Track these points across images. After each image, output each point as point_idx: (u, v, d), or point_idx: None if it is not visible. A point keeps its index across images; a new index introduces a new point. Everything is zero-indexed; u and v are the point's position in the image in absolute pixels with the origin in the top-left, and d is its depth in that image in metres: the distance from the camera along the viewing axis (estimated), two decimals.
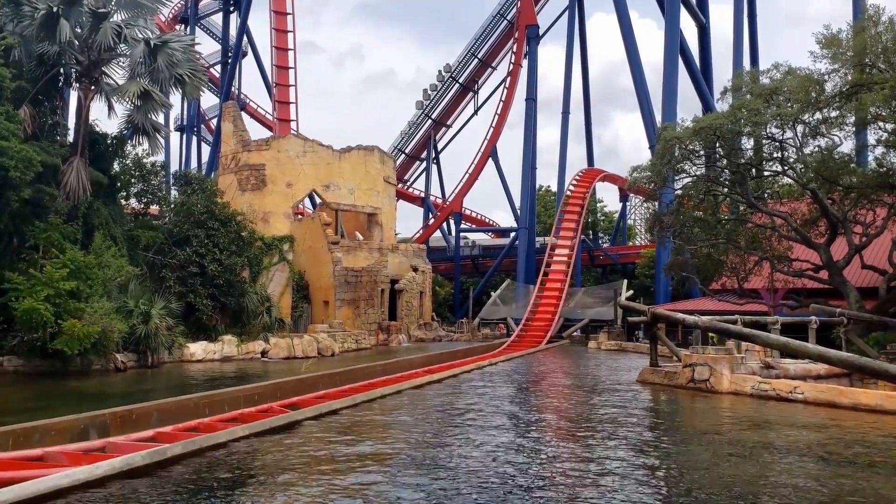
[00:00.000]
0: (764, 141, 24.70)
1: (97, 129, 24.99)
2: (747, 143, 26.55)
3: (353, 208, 38.49)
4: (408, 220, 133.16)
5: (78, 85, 24.22)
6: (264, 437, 9.96)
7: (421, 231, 62.23)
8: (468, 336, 39.07)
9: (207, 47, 67.11)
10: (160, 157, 32.89)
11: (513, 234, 55.79)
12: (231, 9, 64.56)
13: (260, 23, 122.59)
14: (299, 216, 40.96)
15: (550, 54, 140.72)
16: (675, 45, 41.96)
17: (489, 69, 64.83)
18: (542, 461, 8.91)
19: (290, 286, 32.42)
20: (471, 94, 66.18)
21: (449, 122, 67.80)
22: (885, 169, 22.83)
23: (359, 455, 8.90)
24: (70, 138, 23.88)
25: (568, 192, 49.36)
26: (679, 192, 28.10)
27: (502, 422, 11.84)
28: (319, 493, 7.09)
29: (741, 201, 26.54)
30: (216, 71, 65.96)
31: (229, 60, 62.30)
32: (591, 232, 65.39)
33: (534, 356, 28.40)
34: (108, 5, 23.75)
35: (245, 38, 63.02)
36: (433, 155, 67.75)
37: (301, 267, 34.37)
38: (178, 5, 67.03)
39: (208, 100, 68.01)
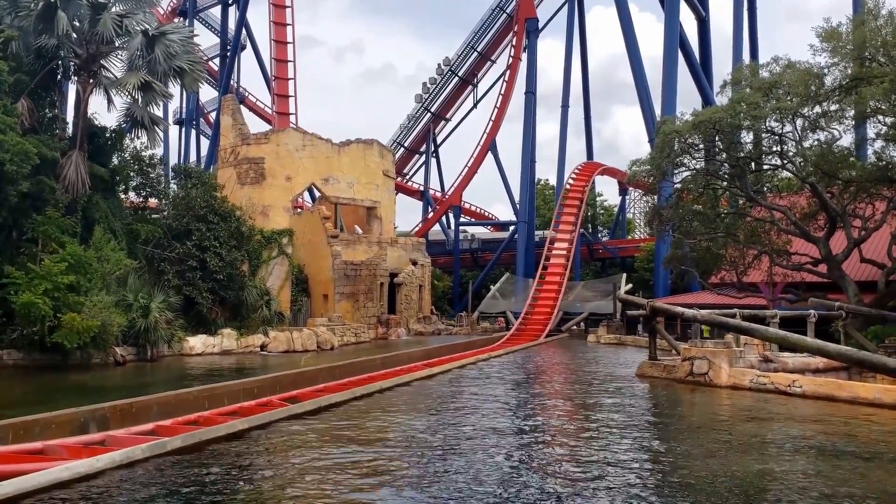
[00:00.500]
0: (763, 134, 24.70)
1: (96, 122, 24.93)
2: (747, 137, 26.56)
3: (353, 202, 38.46)
4: (407, 214, 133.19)
5: (76, 78, 24.13)
6: (264, 430, 9.98)
7: (420, 224, 62.21)
8: (467, 329, 39.09)
9: (206, 40, 67.03)
10: (159, 151, 32.87)
11: (512, 228, 55.79)
12: (230, 2, 64.26)
13: (259, 16, 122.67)
14: (298, 210, 40.92)
15: (550, 48, 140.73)
16: (674, 38, 41.85)
17: (488, 62, 64.67)
18: (540, 454, 8.93)
19: (289, 280, 32.42)
20: (470, 87, 66.01)
21: (448, 116, 67.68)
22: (884, 163, 22.83)
23: (358, 449, 8.92)
24: (69, 132, 23.82)
25: (567, 186, 49.34)
26: (678, 185, 28.10)
27: (501, 415, 11.87)
28: (319, 486, 7.11)
29: (740, 195, 26.54)
30: (215, 64, 65.78)
31: (228, 54, 62.08)
32: (590, 225, 65.37)
33: (533, 350, 28.44)
34: None
35: (244, 32, 62.79)
36: (432, 148, 67.65)
37: (300, 260, 34.36)
38: None
39: (207, 93, 67.91)
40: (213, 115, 64.52)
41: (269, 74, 58.55)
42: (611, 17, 55.41)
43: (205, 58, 59.18)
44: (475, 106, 66.94)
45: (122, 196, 27.19)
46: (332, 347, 26.95)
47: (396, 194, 46.39)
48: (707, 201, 27.41)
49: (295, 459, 8.28)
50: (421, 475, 7.64)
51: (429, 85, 65.64)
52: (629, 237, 64.97)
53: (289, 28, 57.22)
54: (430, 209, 63.64)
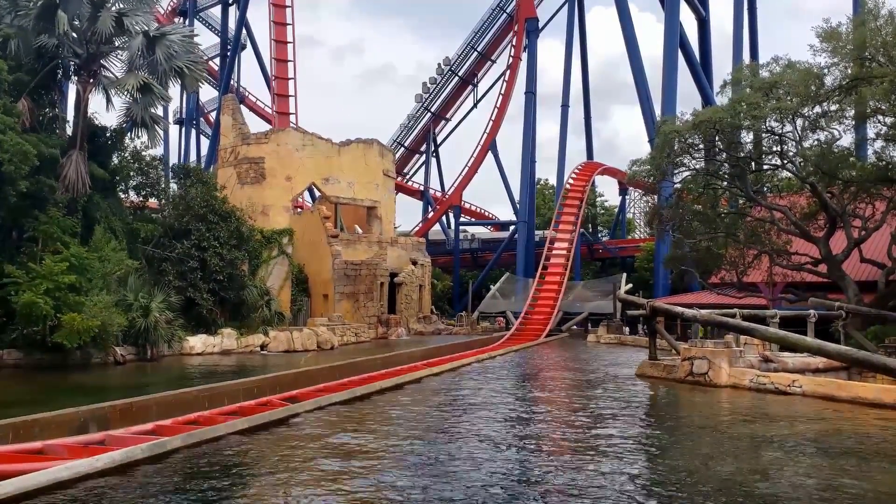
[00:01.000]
0: (763, 134, 24.69)
1: (96, 122, 24.95)
2: (747, 137, 26.53)
3: (353, 202, 38.45)
4: (407, 214, 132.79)
5: (76, 78, 24.14)
6: (263, 429, 9.98)
7: (420, 224, 62.17)
8: (467, 329, 39.08)
9: (206, 40, 66.89)
10: (159, 151, 32.86)
11: (512, 228, 55.78)
12: (230, 1, 64.27)
13: (259, 16, 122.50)
14: (299, 210, 40.93)
15: (550, 48, 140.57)
16: (674, 38, 41.83)
17: (488, 62, 64.63)
18: (539, 454, 8.93)
19: (289, 280, 32.43)
20: (470, 87, 65.97)
21: (448, 116, 67.65)
22: (884, 163, 22.82)
23: (358, 447, 8.93)
24: (69, 131, 23.82)
25: (567, 186, 49.32)
26: (678, 185, 28.09)
27: (501, 414, 11.87)
28: (319, 485, 7.12)
29: (740, 195, 26.53)
30: (215, 64, 65.72)
31: (228, 53, 62.07)
32: (590, 225, 65.38)
33: (533, 349, 28.45)
34: None
35: (244, 31, 62.81)
36: (432, 148, 67.62)
37: (300, 260, 34.36)
38: None
39: (207, 93, 67.83)
40: (213, 114, 64.48)
41: (269, 74, 58.55)
42: (611, 17, 55.35)
43: (205, 57, 59.15)
44: (475, 106, 66.97)
45: (122, 196, 27.21)
46: (332, 347, 26.95)
47: (396, 194, 46.38)
48: (707, 201, 27.39)
49: (294, 459, 8.28)
50: (420, 474, 7.64)
51: (429, 85, 65.62)
52: (629, 237, 64.95)
53: (289, 28, 57.21)
54: (430, 209, 63.63)
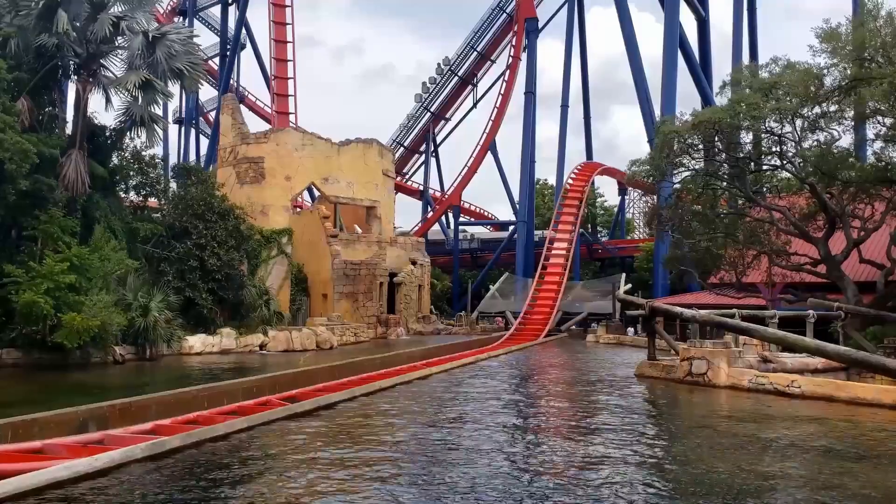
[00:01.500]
0: (763, 135, 24.69)
1: (96, 121, 24.93)
2: (746, 138, 26.54)
3: (352, 201, 38.44)
4: (406, 214, 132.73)
5: (76, 77, 24.12)
6: (263, 429, 9.99)
7: (419, 224, 62.16)
8: (466, 329, 39.09)
9: (206, 40, 66.78)
10: (159, 150, 32.84)
11: (511, 228, 55.75)
12: (229, 1, 64.27)
13: (259, 15, 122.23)
14: (298, 209, 40.90)
15: (550, 48, 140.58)
16: (674, 38, 41.81)
17: (488, 62, 64.60)
18: (539, 453, 8.94)
19: (288, 279, 32.42)
20: (470, 87, 65.95)
21: (448, 116, 67.62)
22: (883, 163, 22.81)
23: (357, 447, 8.94)
24: (69, 130, 23.81)
25: (567, 186, 49.30)
26: (678, 186, 28.08)
27: (501, 415, 11.87)
28: (319, 485, 7.12)
29: (740, 195, 26.53)
30: (215, 63, 65.67)
31: (228, 53, 62.04)
32: (589, 225, 65.33)
33: (532, 349, 28.46)
34: None
35: (244, 31, 62.79)
36: (432, 148, 67.59)
37: (300, 260, 34.35)
38: None
39: (207, 92, 67.77)
40: (213, 114, 64.47)
41: (269, 74, 58.49)
42: (611, 17, 55.22)
43: (205, 57, 59.15)
44: (475, 106, 66.95)
45: (122, 195, 27.19)
46: (331, 347, 26.95)
47: (396, 194, 46.37)
48: (706, 202, 27.39)
49: (294, 459, 8.29)
50: (419, 474, 7.65)
51: (429, 85, 65.59)
52: (629, 237, 64.94)
53: (289, 27, 57.16)
54: (429, 209, 63.60)
